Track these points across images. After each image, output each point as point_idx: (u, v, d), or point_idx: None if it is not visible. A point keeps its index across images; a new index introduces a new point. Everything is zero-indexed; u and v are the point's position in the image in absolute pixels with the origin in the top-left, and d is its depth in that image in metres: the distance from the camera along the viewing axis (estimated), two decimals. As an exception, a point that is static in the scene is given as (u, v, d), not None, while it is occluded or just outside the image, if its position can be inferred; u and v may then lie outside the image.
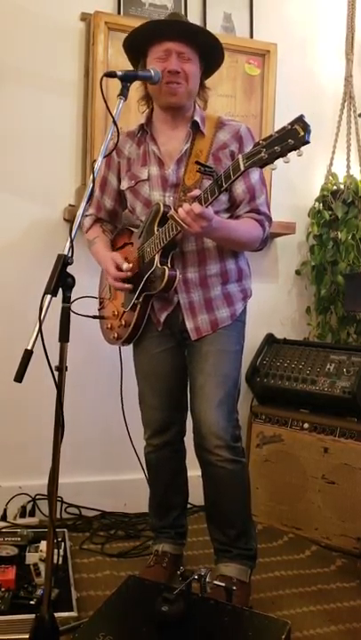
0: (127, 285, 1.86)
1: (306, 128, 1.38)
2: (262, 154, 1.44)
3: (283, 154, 1.42)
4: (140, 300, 1.85)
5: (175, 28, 1.78)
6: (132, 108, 2.02)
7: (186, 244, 1.84)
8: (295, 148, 1.40)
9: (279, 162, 1.45)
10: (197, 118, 1.86)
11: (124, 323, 1.92)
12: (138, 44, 1.83)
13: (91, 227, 2.06)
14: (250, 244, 1.86)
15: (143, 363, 1.99)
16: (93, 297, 2.04)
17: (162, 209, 1.79)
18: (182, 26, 1.80)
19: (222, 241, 1.82)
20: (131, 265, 1.85)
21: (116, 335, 1.96)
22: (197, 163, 1.63)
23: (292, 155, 1.41)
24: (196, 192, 1.64)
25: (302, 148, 1.41)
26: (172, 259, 1.81)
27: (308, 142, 1.39)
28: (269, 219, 1.91)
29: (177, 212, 1.65)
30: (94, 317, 2.02)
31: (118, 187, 1.99)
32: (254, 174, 1.86)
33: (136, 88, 1.91)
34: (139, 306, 1.86)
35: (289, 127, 1.41)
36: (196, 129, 1.86)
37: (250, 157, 1.48)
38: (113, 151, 1.88)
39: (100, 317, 2.04)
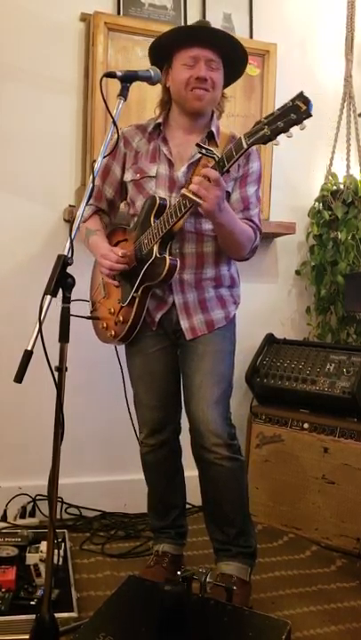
0: (122, 266, 1.83)
1: (307, 102, 1.43)
2: (265, 130, 1.48)
3: (285, 129, 1.46)
4: (139, 292, 1.84)
5: (208, 35, 1.78)
6: (132, 108, 2.02)
7: (186, 247, 1.84)
8: (298, 122, 1.45)
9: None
10: (213, 128, 1.88)
11: (121, 319, 1.91)
12: (163, 49, 1.83)
13: (90, 216, 2.00)
14: (244, 245, 1.84)
15: (138, 363, 1.98)
16: (86, 300, 2.03)
17: (158, 201, 1.79)
18: (216, 33, 1.81)
19: (225, 230, 1.76)
20: (126, 251, 1.84)
21: (113, 333, 1.95)
22: (198, 145, 1.65)
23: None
24: (208, 169, 1.61)
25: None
26: (169, 250, 1.80)
27: (310, 115, 1.44)
28: (260, 231, 1.91)
29: (187, 189, 1.62)
30: (89, 318, 2.02)
31: (121, 177, 1.97)
32: (251, 187, 1.88)
33: (157, 92, 1.93)
34: (137, 299, 1.85)
35: (290, 104, 1.46)
36: (210, 138, 1.88)
37: (252, 135, 1.51)
38: (115, 148, 1.88)
39: (96, 318, 2.03)
